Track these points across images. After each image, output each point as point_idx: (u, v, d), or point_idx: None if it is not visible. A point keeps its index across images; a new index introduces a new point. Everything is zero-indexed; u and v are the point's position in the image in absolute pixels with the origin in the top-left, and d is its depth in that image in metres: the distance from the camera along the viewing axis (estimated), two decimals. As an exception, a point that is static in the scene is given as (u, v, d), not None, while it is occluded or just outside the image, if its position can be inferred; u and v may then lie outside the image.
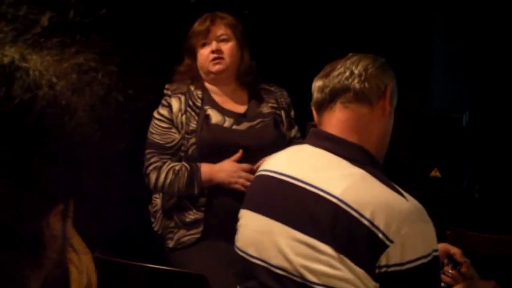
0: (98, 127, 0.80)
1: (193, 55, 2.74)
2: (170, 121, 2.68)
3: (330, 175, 1.60)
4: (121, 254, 2.28)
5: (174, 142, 2.67)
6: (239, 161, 2.64)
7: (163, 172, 2.64)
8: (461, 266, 1.95)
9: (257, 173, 1.82)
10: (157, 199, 2.80)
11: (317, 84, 1.75)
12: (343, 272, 1.51)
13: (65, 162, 0.73)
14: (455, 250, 1.95)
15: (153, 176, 2.65)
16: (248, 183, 2.49)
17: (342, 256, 1.51)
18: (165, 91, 2.74)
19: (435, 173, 3.70)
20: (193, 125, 2.65)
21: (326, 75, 1.74)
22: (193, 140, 2.65)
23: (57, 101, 0.73)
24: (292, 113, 2.85)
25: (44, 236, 0.73)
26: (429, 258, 1.53)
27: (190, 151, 2.65)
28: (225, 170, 2.61)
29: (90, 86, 0.79)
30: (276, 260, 1.61)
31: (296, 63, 3.55)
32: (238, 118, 2.73)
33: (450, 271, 1.98)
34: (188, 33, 2.75)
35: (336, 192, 1.55)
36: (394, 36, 3.75)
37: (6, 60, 0.72)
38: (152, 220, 2.81)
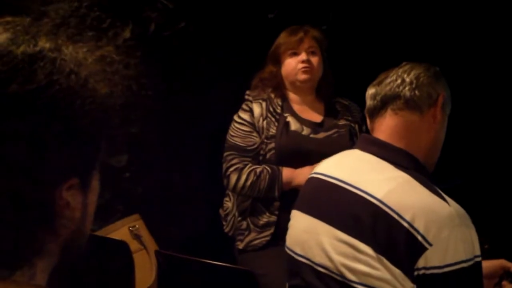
0: (115, 113, 0.88)
1: (278, 63, 2.84)
2: (252, 125, 2.78)
3: (374, 178, 1.64)
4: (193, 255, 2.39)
5: (255, 146, 2.76)
6: None
7: (244, 173, 2.73)
8: None
9: (309, 176, 1.88)
10: (228, 202, 2.90)
11: (370, 91, 1.80)
12: (382, 272, 1.54)
13: (76, 141, 0.80)
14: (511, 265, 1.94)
15: (233, 177, 2.74)
16: None
17: (381, 257, 1.54)
18: (246, 97, 2.85)
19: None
20: (273, 130, 2.75)
21: (379, 83, 1.79)
22: (272, 145, 2.74)
23: (71, 88, 0.81)
24: (364, 127, 2.89)
25: (57, 205, 0.80)
26: (470, 263, 1.53)
27: (268, 156, 2.74)
28: (305, 174, 2.66)
29: (108, 77, 0.87)
30: (319, 258, 1.66)
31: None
32: (315, 127, 2.82)
33: (508, 286, 1.96)
34: (277, 42, 2.86)
35: (379, 195, 1.59)
36: (491, 50, 3.72)
37: (31, 50, 0.80)
38: (224, 223, 2.91)
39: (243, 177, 2.72)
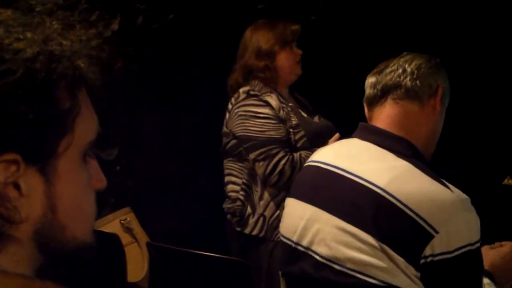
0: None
1: (272, 57, 2.77)
2: (277, 117, 2.69)
3: (375, 166, 1.62)
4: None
5: (287, 136, 2.70)
6: None
7: (297, 162, 2.64)
8: None
9: (305, 164, 1.86)
10: (242, 206, 2.77)
11: (370, 80, 1.79)
12: (382, 261, 1.53)
13: (6, 116, 0.76)
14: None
15: (288, 170, 2.63)
16: None
17: (383, 246, 1.53)
18: (251, 92, 2.73)
19: (508, 181, 3.62)
20: (294, 120, 2.71)
21: (379, 72, 1.77)
22: (302, 133, 2.71)
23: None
24: None
25: None
26: (476, 245, 1.54)
27: (299, 144, 2.70)
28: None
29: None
30: (317, 246, 1.64)
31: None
32: (308, 113, 2.83)
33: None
34: (271, 36, 2.77)
35: (381, 183, 1.57)
36: (482, 39, 3.73)
37: None
38: (239, 228, 2.78)
39: (298, 165, 2.62)
